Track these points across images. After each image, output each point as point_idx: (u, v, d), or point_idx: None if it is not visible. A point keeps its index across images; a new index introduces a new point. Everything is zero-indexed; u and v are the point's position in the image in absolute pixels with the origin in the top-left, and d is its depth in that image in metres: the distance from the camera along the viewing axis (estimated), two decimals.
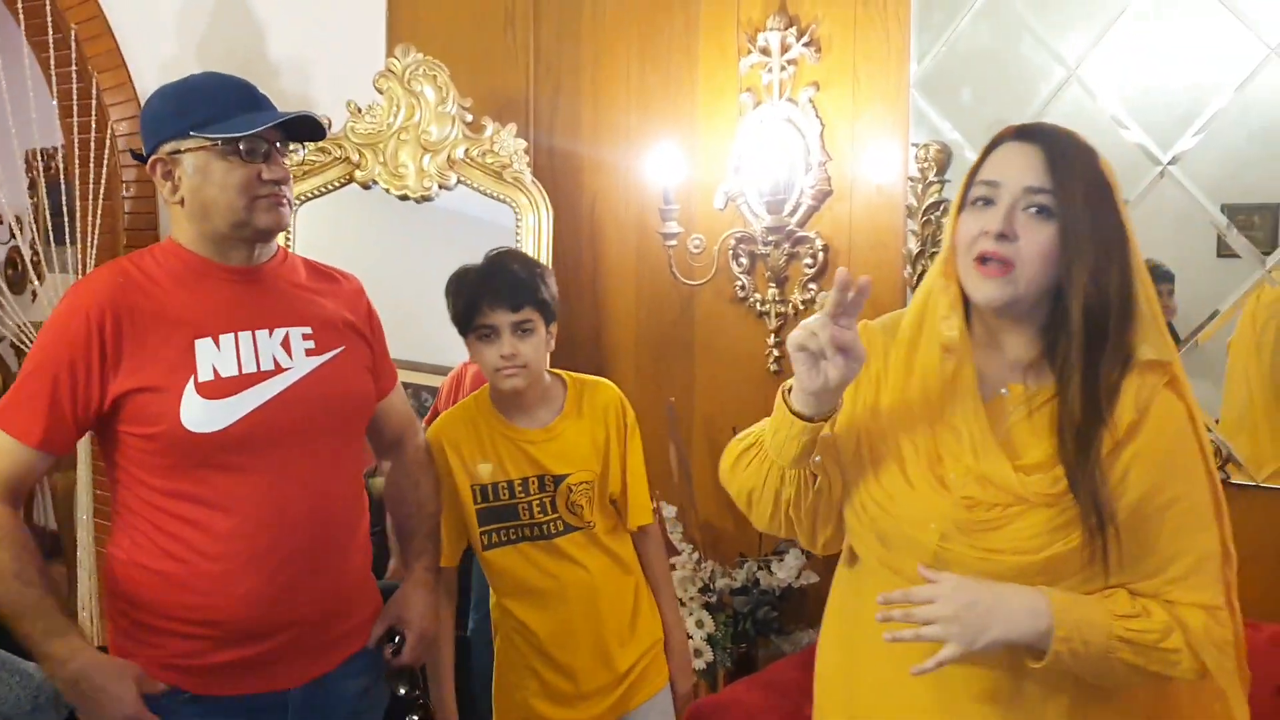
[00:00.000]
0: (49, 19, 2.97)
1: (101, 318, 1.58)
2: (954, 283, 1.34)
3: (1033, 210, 1.27)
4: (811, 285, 2.67)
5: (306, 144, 1.83)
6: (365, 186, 2.91)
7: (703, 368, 2.90)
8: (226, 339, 1.63)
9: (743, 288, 2.77)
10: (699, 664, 2.53)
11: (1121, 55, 2.22)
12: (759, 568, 2.62)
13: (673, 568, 2.62)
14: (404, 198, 2.90)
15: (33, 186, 3.49)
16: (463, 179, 2.88)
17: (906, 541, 1.33)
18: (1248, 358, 2.18)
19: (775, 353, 2.74)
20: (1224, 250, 2.18)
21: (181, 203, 1.64)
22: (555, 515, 1.96)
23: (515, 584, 1.99)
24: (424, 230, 3.04)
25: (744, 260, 2.76)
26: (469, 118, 2.89)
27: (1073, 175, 1.27)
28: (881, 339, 1.42)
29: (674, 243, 2.70)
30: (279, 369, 1.64)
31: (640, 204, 2.94)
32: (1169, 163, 2.18)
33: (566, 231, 2.98)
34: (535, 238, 2.84)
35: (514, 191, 2.86)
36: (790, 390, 1.30)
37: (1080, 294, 1.26)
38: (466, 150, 2.87)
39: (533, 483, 1.95)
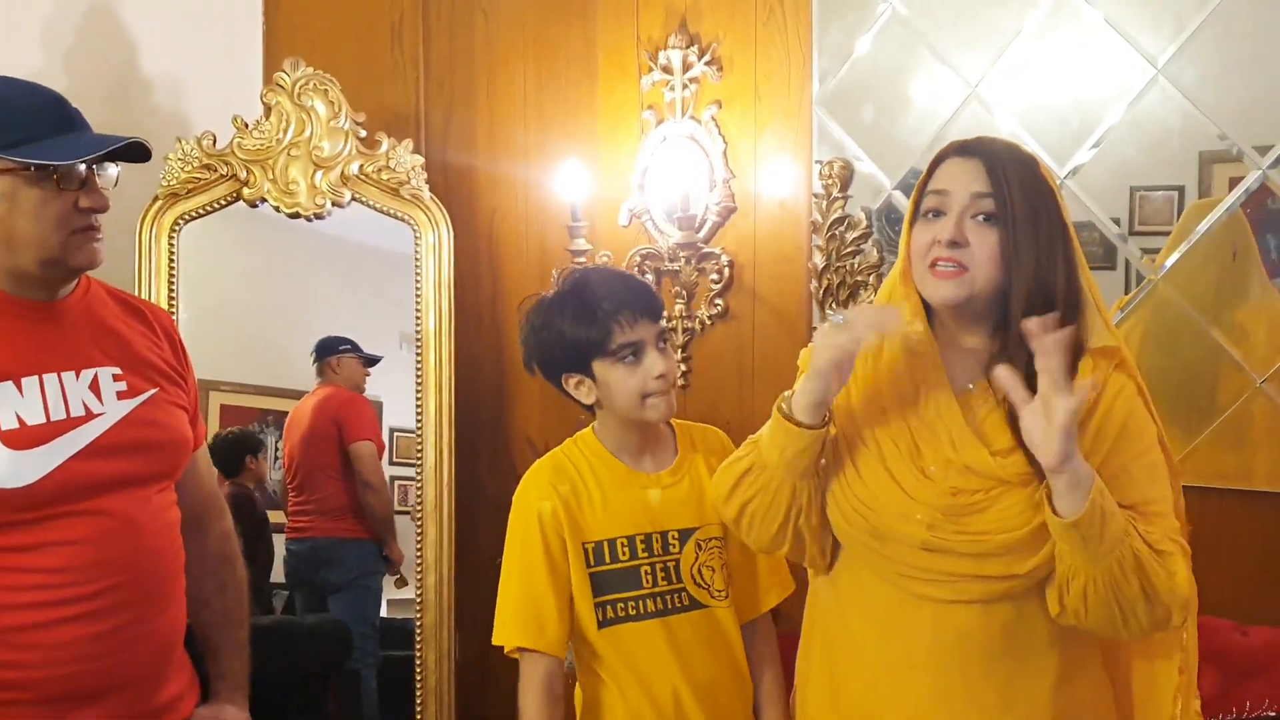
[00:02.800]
0: None
1: None
2: (913, 290, 1.44)
3: (980, 218, 1.39)
4: (718, 301, 2.69)
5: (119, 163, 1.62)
6: (253, 204, 2.79)
7: None
8: (29, 383, 1.48)
9: None
10: None
11: (1018, 74, 2.32)
12: None
13: None
14: (295, 215, 2.80)
15: None
16: (357, 196, 2.80)
17: (896, 534, 1.40)
18: None
19: (683, 367, 2.74)
20: (1110, 261, 2.30)
21: None
22: (679, 585, 1.63)
23: (643, 674, 1.61)
24: (315, 249, 2.94)
25: (649, 277, 2.76)
26: (363, 133, 2.81)
27: (1011, 183, 1.38)
28: None
29: (582, 260, 2.68)
30: (90, 414, 1.51)
31: (541, 221, 2.92)
32: (1066, 176, 2.28)
33: (465, 250, 2.93)
34: (435, 256, 2.78)
35: (412, 209, 2.80)
36: (788, 407, 1.39)
37: (1024, 292, 1.37)
38: (361, 166, 2.79)
39: (656, 540, 1.63)
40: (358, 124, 2.80)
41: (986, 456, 1.38)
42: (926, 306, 1.46)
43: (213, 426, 2.94)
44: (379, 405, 3.04)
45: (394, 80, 3.09)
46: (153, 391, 1.59)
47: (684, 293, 2.72)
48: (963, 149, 1.44)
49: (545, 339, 1.67)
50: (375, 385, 3.01)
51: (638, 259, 2.76)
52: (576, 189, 2.67)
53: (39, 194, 1.45)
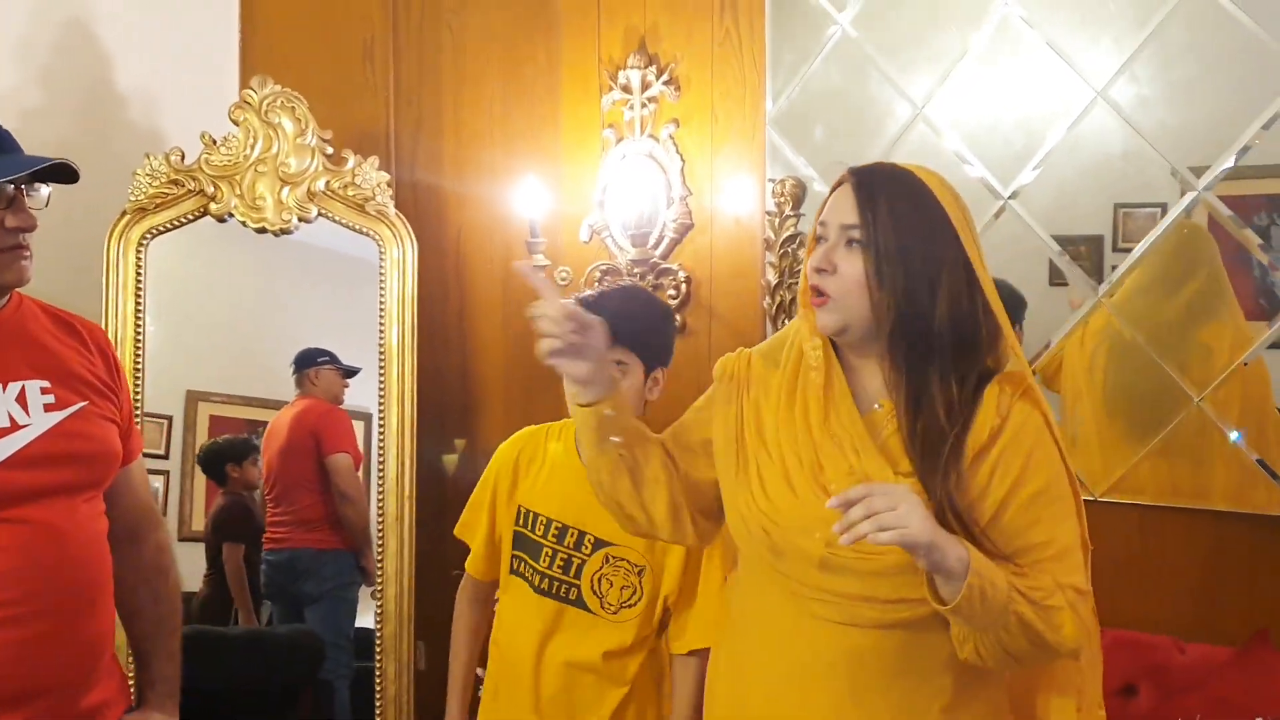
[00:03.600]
0: None
1: None
2: (811, 311, 1.47)
3: (853, 245, 1.40)
4: (676, 316, 2.72)
5: (49, 185, 1.64)
6: (220, 219, 2.84)
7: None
8: None
9: None
10: None
11: (963, 95, 2.36)
12: None
13: None
14: (262, 230, 2.84)
15: None
16: (324, 211, 2.84)
17: (794, 550, 1.41)
18: (1078, 380, 2.33)
19: None
20: (1056, 279, 2.33)
21: None
22: (575, 581, 1.85)
23: (524, 627, 1.88)
24: (281, 264, 2.98)
25: None
26: (329, 150, 2.86)
27: (878, 207, 1.39)
28: (762, 366, 1.54)
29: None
30: (15, 425, 1.54)
31: (506, 237, 2.96)
32: (1009, 197, 2.32)
33: (431, 266, 2.97)
34: (400, 271, 2.82)
35: (377, 224, 2.84)
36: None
37: (893, 317, 1.37)
38: (327, 183, 2.83)
39: (571, 535, 1.85)
40: (324, 141, 2.85)
41: (888, 470, 1.39)
42: None
43: (201, 438, 2.99)
44: (367, 416, 3.07)
45: (365, 98, 3.13)
46: (81, 404, 1.62)
47: None
48: (850, 175, 1.45)
49: (671, 334, 2.00)
50: (362, 395, 3.04)
51: (598, 274, 2.80)
52: (534, 205, 2.71)
53: None
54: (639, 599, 1.85)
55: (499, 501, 1.96)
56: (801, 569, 1.40)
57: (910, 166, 1.46)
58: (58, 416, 1.58)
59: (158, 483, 2.87)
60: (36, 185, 1.57)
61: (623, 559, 1.85)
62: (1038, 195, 2.30)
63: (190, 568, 2.84)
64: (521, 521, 1.90)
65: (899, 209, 1.39)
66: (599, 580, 1.85)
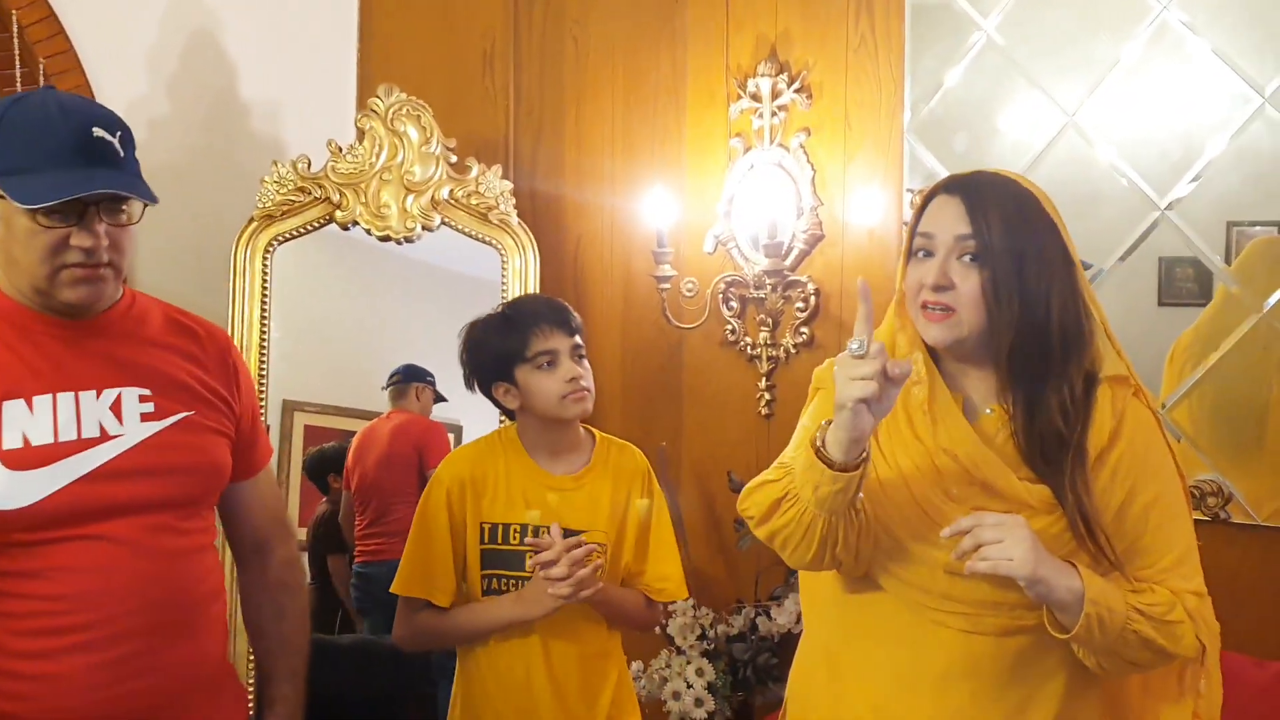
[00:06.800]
0: (16, 53, 2.87)
1: None
2: (909, 323, 1.45)
3: (966, 258, 1.38)
4: (804, 329, 2.68)
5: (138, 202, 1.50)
6: (345, 227, 2.84)
7: (691, 412, 2.88)
8: (42, 401, 1.43)
9: (733, 331, 2.76)
10: (700, 714, 2.48)
11: (1117, 104, 2.28)
12: (757, 613, 2.59)
13: (671, 615, 2.57)
14: (385, 238, 2.84)
15: None
16: (446, 220, 2.83)
17: (920, 559, 1.39)
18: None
19: (767, 396, 2.73)
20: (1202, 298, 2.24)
21: None
22: None
23: (512, 642, 1.87)
24: (404, 273, 2.98)
25: (734, 304, 2.75)
26: (453, 158, 2.85)
27: (991, 221, 1.37)
28: None
29: (667, 286, 2.68)
30: (105, 436, 1.45)
31: (626, 248, 2.93)
32: (1166, 208, 2.23)
33: (550, 275, 2.94)
34: (521, 281, 2.80)
35: (500, 234, 2.82)
36: (823, 444, 1.32)
37: (1010, 330, 1.36)
38: (451, 191, 2.82)
39: (544, 534, 1.83)
40: (449, 150, 2.84)
41: (1010, 476, 1.38)
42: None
43: (297, 447, 2.99)
44: (459, 429, 3.06)
45: (484, 108, 3.13)
46: (183, 415, 1.52)
47: (769, 320, 2.70)
48: (948, 187, 1.43)
49: (475, 353, 1.93)
50: (455, 408, 3.02)
51: (722, 286, 2.75)
52: (663, 215, 2.68)
53: (29, 225, 1.39)
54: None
55: (460, 528, 1.90)
56: (928, 576, 1.39)
57: (1005, 172, 1.46)
58: (154, 427, 1.49)
59: None
60: (125, 202, 1.46)
61: (593, 543, 1.85)
62: (1196, 208, 2.21)
63: None
64: (489, 538, 1.88)
65: (1010, 218, 1.38)
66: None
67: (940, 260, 1.38)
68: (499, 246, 2.83)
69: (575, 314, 1.97)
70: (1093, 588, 1.30)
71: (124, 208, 1.46)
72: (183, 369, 1.55)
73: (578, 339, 1.93)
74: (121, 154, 1.44)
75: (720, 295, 2.76)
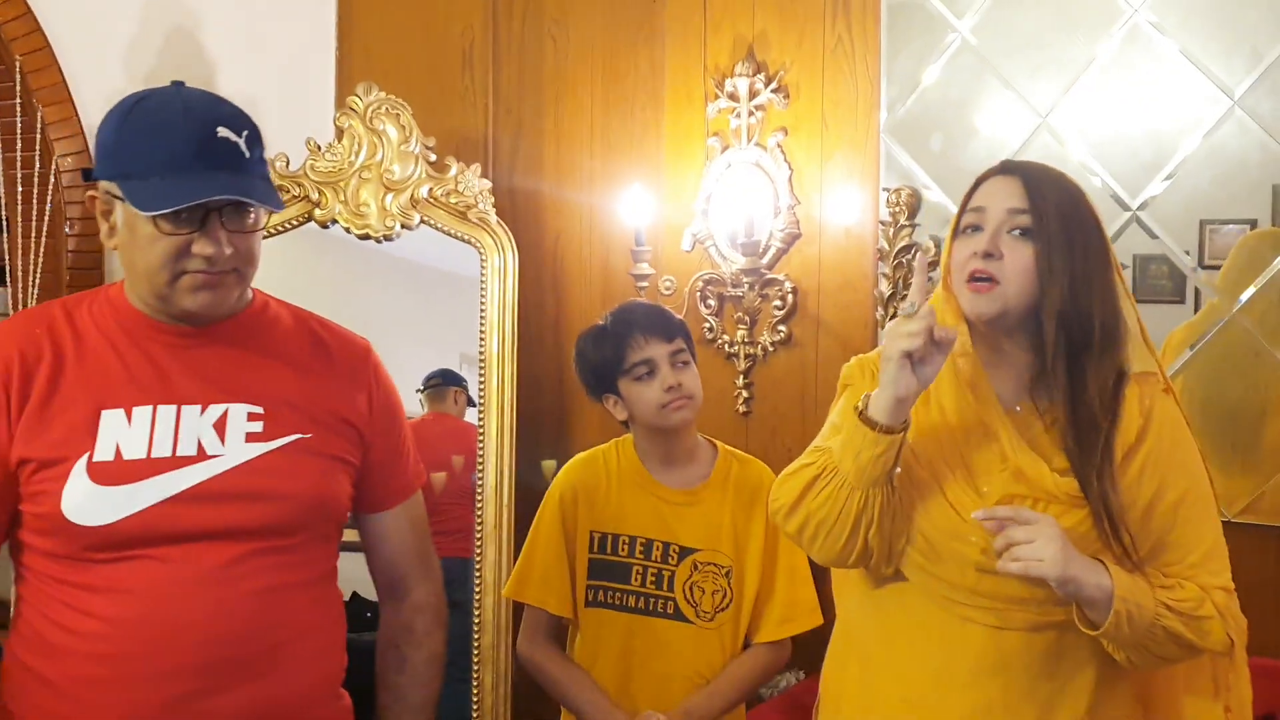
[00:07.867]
0: None
1: (9, 367, 1.34)
2: (954, 297, 1.45)
3: (1016, 232, 1.40)
4: (781, 327, 2.69)
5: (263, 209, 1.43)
6: (324, 225, 2.85)
7: None
8: (141, 412, 1.35)
9: (711, 329, 2.77)
10: None
11: (1090, 104, 2.30)
12: None
13: None
14: (365, 237, 2.85)
15: None
16: (426, 219, 2.84)
17: (951, 554, 1.39)
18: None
19: (745, 394, 2.75)
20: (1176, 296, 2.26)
21: (116, 249, 1.40)
22: (670, 594, 1.81)
23: (609, 656, 1.84)
24: (383, 271, 2.99)
25: (712, 302, 2.77)
26: (433, 157, 2.86)
27: (1048, 200, 1.40)
28: None
29: (645, 284, 2.70)
30: (202, 455, 1.35)
31: (605, 246, 2.94)
32: (1138, 208, 2.26)
33: (529, 273, 2.96)
34: (500, 279, 2.81)
35: (479, 232, 2.83)
36: (865, 407, 1.34)
37: (1055, 310, 1.37)
38: (430, 190, 2.83)
39: (656, 548, 1.81)
40: (428, 148, 2.85)
41: (1043, 467, 1.38)
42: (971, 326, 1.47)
43: None
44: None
45: (464, 106, 3.13)
46: (296, 437, 1.40)
47: (746, 318, 2.72)
48: (1005, 168, 1.46)
49: (580, 367, 1.95)
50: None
51: (700, 284, 2.77)
52: (641, 213, 2.69)
53: (150, 231, 1.34)
54: (729, 601, 1.84)
55: (572, 535, 1.89)
56: (958, 572, 1.39)
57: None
58: (259, 449, 1.38)
59: None
60: (246, 209, 1.38)
61: (710, 563, 1.83)
62: (1167, 207, 2.24)
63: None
64: (598, 548, 1.86)
65: (1065, 204, 1.41)
66: (691, 589, 1.84)
67: (990, 232, 1.40)
68: (478, 245, 2.83)
69: (675, 317, 1.93)
70: (1121, 584, 1.31)
71: (249, 212, 1.38)
72: (303, 386, 1.44)
73: (679, 343, 1.88)
74: (248, 154, 1.37)
75: (698, 293, 2.77)
